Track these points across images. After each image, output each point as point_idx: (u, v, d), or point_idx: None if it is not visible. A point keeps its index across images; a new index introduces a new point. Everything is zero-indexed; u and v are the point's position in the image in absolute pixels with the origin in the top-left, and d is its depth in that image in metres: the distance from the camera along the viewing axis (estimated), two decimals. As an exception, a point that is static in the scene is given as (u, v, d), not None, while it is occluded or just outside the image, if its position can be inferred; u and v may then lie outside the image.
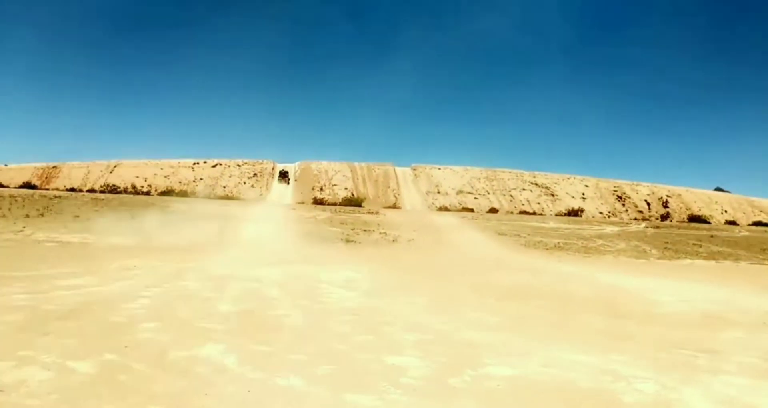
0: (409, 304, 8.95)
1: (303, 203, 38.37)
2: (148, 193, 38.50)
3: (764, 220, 44.02)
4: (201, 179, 42.78)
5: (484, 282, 12.65)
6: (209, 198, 37.41)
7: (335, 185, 44.33)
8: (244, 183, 43.25)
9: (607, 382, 4.96)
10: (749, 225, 40.70)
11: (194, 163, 44.80)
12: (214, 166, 44.78)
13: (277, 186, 43.80)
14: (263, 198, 40.97)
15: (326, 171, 46.20)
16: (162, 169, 43.50)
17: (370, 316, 7.63)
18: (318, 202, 39.50)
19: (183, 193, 37.87)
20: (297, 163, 47.85)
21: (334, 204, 38.30)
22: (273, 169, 46.21)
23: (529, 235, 26.35)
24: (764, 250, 24.93)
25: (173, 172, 43.20)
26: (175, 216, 24.85)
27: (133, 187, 39.93)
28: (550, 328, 7.51)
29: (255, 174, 44.56)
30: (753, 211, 47.84)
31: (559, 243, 24.39)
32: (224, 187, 42.19)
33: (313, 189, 43.32)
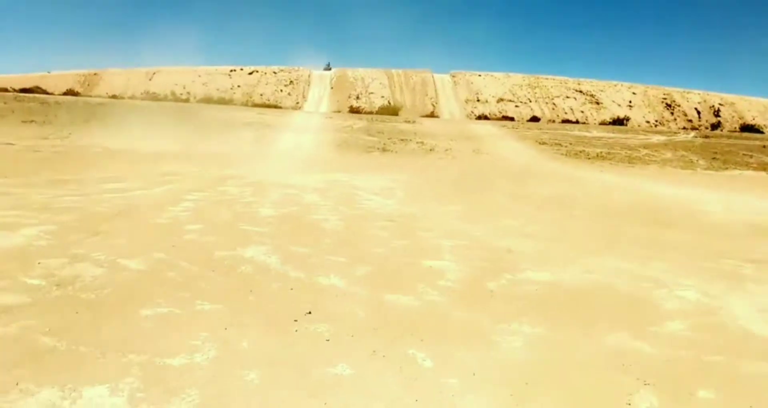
0: (445, 212, 8.94)
1: (339, 111, 38.00)
2: (186, 101, 38.62)
3: (824, 130, 41.64)
4: (238, 87, 42.53)
5: (523, 191, 12.50)
6: (246, 106, 37.37)
7: (372, 93, 43.53)
8: (281, 91, 42.84)
9: (647, 288, 4.92)
10: (807, 135, 38.55)
11: (231, 70, 44.39)
12: (250, 74, 44.31)
13: (313, 94, 43.27)
14: (299, 106, 40.72)
15: (362, 78, 45.21)
16: (200, 76, 43.32)
17: (407, 223, 7.67)
18: (354, 110, 39.03)
19: (221, 101, 37.88)
20: (333, 70, 46.87)
21: (371, 112, 37.79)
22: (309, 76, 45.47)
23: (570, 144, 25.67)
24: (821, 161, 23.77)
25: (211, 79, 43.01)
26: (214, 124, 25.01)
27: (173, 94, 40.06)
28: (590, 237, 7.43)
29: (291, 81, 43.98)
30: (812, 121, 45.19)
31: (601, 152, 23.74)
32: (261, 94, 41.93)
33: (349, 97, 42.69)
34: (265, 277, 4.68)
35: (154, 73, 42.97)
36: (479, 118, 40.27)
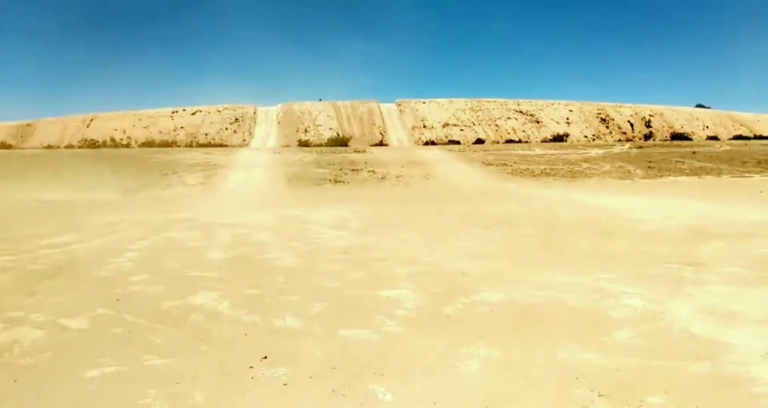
0: (400, 239, 9.00)
1: (288, 146, 37.91)
2: (128, 146, 37.80)
3: (744, 134, 44.28)
4: (181, 128, 41.91)
5: (474, 212, 12.72)
6: (191, 146, 36.84)
7: (320, 126, 43.69)
8: (226, 129, 42.47)
9: (596, 300, 5.07)
10: (730, 139, 40.94)
11: (173, 112, 43.78)
12: (193, 114, 43.81)
13: (260, 130, 43.07)
14: (246, 143, 40.40)
15: (309, 112, 45.40)
16: (140, 119, 42.50)
17: (362, 254, 7.68)
18: (303, 144, 39.03)
19: (164, 144, 37.21)
20: (279, 105, 46.90)
21: (320, 145, 37.89)
22: (255, 113, 45.32)
23: (515, 163, 26.38)
24: (744, 162, 25.21)
25: (152, 123, 42.25)
26: (158, 167, 24.51)
27: (112, 140, 39.12)
28: (540, 253, 7.61)
29: (236, 119, 43.70)
30: (733, 125, 48.01)
31: (545, 169, 24.47)
32: (206, 134, 41.43)
33: (297, 131, 42.69)
34: (217, 324, 4.58)
35: (91, 120, 41.93)
36: (427, 143, 40.94)
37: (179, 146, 37.11)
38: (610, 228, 9.83)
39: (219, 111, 44.57)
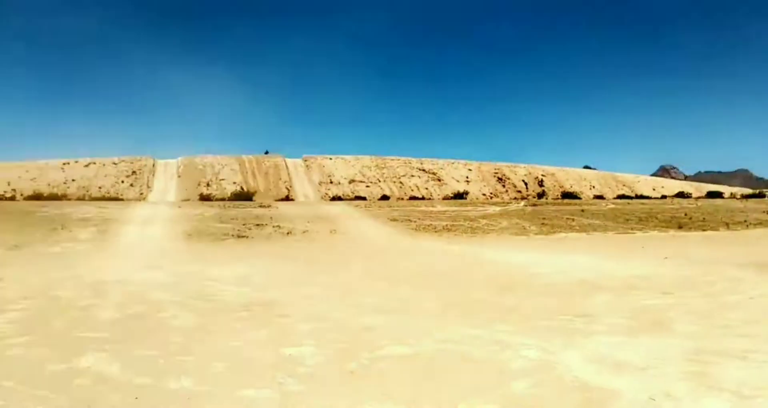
0: (304, 295, 8.87)
1: (188, 200, 36.68)
2: (12, 199, 34.91)
3: (627, 193, 48.57)
4: (73, 180, 39.49)
5: (379, 267, 12.84)
6: (83, 200, 34.65)
7: (223, 180, 42.85)
8: (122, 182, 40.51)
9: (496, 351, 5.24)
10: (614, 198, 44.68)
11: (64, 164, 41.30)
12: (87, 166, 41.55)
13: (158, 183, 41.47)
14: (144, 197, 38.68)
15: (212, 165, 44.51)
16: (27, 171, 39.67)
17: (265, 310, 7.48)
18: (205, 198, 37.93)
19: (54, 197, 34.72)
20: (179, 158, 45.64)
21: (223, 199, 36.98)
22: (153, 165, 43.75)
23: (419, 219, 27.10)
24: (628, 220, 27.50)
25: (40, 174, 39.53)
26: (45, 221, 22.74)
27: (-7, 192, 36.03)
28: (442, 307, 7.78)
29: (134, 172, 41.90)
30: (617, 185, 52.61)
31: (447, 225, 25.31)
32: (100, 187, 39.24)
33: (199, 185, 41.56)
34: (106, 388, 4.24)
35: (-31, 170, 38.57)
36: (333, 198, 41.23)
37: (70, 199, 34.79)
38: (508, 282, 10.28)
39: (115, 163, 42.61)
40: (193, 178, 42.50)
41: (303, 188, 44.17)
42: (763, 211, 31.38)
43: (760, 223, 27.40)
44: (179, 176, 42.72)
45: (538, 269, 12.08)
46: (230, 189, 40.88)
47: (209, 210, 28.18)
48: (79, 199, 35.54)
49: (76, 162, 41.80)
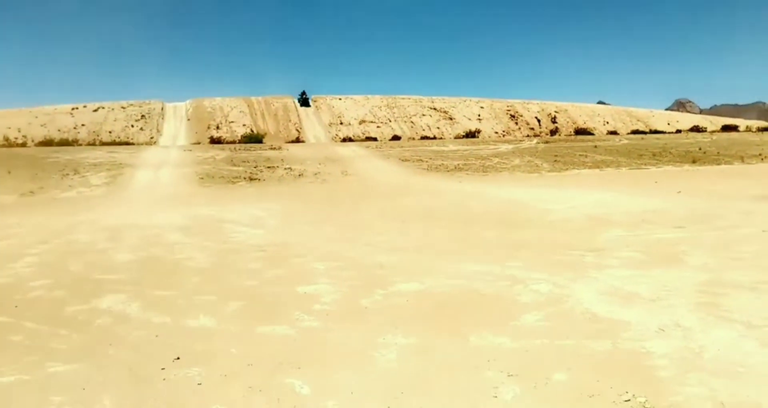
0: (318, 235, 8.97)
1: (199, 143, 36.63)
2: (23, 145, 35.07)
3: (641, 128, 47.68)
4: (83, 125, 39.44)
5: (391, 207, 12.89)
6: (94, 145, 34.74)
7: (232, 122, 42.58)
8: (132, 126, 40.42)
9: (506, 286, 5.30)
10: (628, 133, 43.92)
11: (73, 108, 41.15)
12: (95, 110, 41.37)
13: (168, 127, 41.32)
14: (154, 141, 38.68)
15: (221, 107, 44.14)
16: (37, 117, 39.60)
17: (279, 251, 7.59)
18: (215, 141, 37.83)
19: (64, 142, 34.81)
20: (188, 101, 45.26)
21: (233, 142, 36.87)
22: (162, 109, 43.46)
23: (431, 159, 26.94)
24: (641, 155, 27.15)
25: (50, 120, 39.47)
26: (58, 167, 22.94)
27: (6, 139, 36.14)
28: (454, 245, 7.84)
29: (143, 116, 41.71)
30: (631, 121, 51.59)
31: (459, 164, 25.17)
32: (110, 132, 39.22)
33: (208, 128, 41.37)
34: (126, 327, 4.38)
35: (-20, 118, 38.57)
36: (344, 140, 40.95)
37: (81, 145, 34.89)
38: (520, 219, 10.29)
39: (123, 107, 42.37)
40: (202, 121, 42.28)
41: (313, 130, 43.84)
42: (781, 144, 30.77)
43: (777, 156, 26.92)
44: (188, 119, 42.51)
45: (551, 206, 12.05)
46: (240, 131, 40.68)
47: (220, 153, 28.19)
48: (89, 144, 35.64)
49: (85, 107, 41.62)
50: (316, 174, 23.05)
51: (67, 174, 21.57)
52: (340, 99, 48.07)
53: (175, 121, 42.52)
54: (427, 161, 26.19)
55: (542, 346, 3.72)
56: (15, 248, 8.28)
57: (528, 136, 43.47)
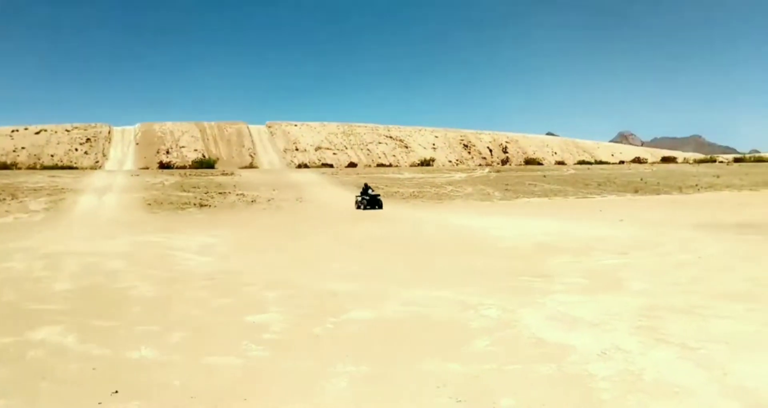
0: (270, 263, 8.83)
1: (147, 168, 35.76)
2: (-42, 169, 33.37)
3: (587, 159, 49.44)
4: (23, 148, 37.92)
5: (346, 234, 12.86)
6: (34, 169, 33.40)
7: (183, 147, 41.83)
8: (76, 150, 39.12)
9: (457, 312, 5.33)
10: (575, 164, 45.46)
11: (13, 130, 39.57)
12: (37, 133, 39.91)
13: (115, 151, 40.22)
14: (100, 165, 37.52)
15: (172, 132, 43.35)
16: (-27, 139, 37.87)
17: (229, 279, 7.42)
18: (165, 166, 37.00)
19: (2, 165, 33.31)
20: (137, 125, 44.27)
21: (184, 167, 36.15)
22: (110, 132, 42.35)
23: (386, 186, 27.12)
24: (587, 185, 28.12)
25: (-12, 143, 37.80)
26: (-5, 192, 21.89)
27: (-62, 162, 34.35)
28: (408, 271, 7.86)
29: (88, 139, 40.47)
30: (578, 152, 53.48)
31: (414, 192, 25.43)
32: (52, 155, 37.79)
33: (158, 152, 40.48)
34: (61, 359, 4.16)
35: None
36: (299, 166, 40.79)
37: (20, 168, 33.49)
38: (472, 245, 10.43)
39: (68, 130, 41.04)
40: (152, 145, 41.37)
41: (268, 156, 43.52)
42: (714, 175, 32.48)
43: (711, 187, 28.38)
44: (137, 144, 41.52)
45: (501, 233, 12.28)
46: (191, 156, 39.99)
47: (170, 178, 27.58)
48: (29, 167, 34.27)
49: (26, 129, 40.14)
50: (269, 200, 22.80)
51: (4, 199, 20.61)
52: (296, 125, 48.06)
53: (123, 145, 41.46)
54: (383, 188, 26.33)
55: (491, 371, 3.74)
56: (-57, 277, 7.79)
57: (480, 165, 44.41)
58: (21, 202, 20.43)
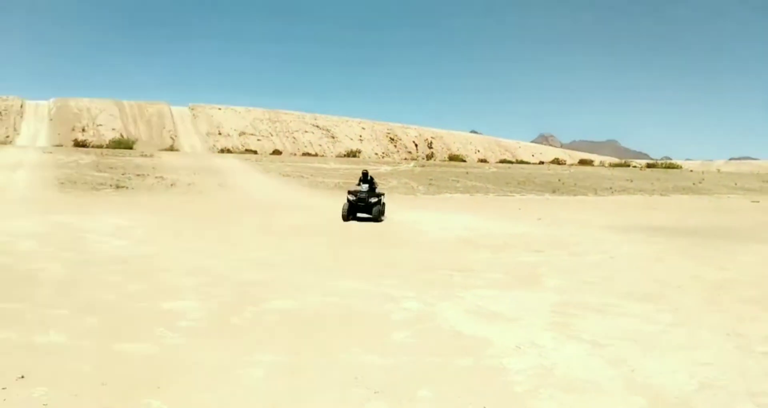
0: (189, 249, 8.57)
1: (61, 146, 33.57)
2: None
3: (509, 158, 51.21)
4: None
5: (268, 223, 12.67)
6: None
7: (100, 125, 39.63)
8: (-20, 122, 36.19)
9: (379, 304, 5.41)
10: (497, 162, 46.97)
11: None
12: (-64, 102, 36.55)
13: (27, 126, 37.53)
14: (10, 140, 34.90)
15: (89, 109, 40.92)
16: None
17: (143, 264, 7.15)
18: (80, 144, 34.88)
19: None
20: (52, 100, 41.49)
21: (101, 147, 34.22)
22: (22, 106, 39.46)
23: (312, 175, 26.91)
24: (508, 183, 29.13)
25: None
26: None
27: None
28: (329, 262, 7.88)
29: (-4, 111, 37.53)
30: (500, 150, 55.31)
31: (338, 183, 25.37)
32: (-48, 126, 34.78)
33: (73, 129, 38.13)
34: (-44, 345, 3.87)
35: None
36: (222, 151, 39.66)
37: None
38: (394, 238, 10.59)
39: (-28, 100, 37.86)
40: (67, 122, 38.89)
41: (190, 139, 42.03)
42: (627, 179, 34.55)
43: (624, 190, 30.18)
44: (51, 119, 38.91)
45: (424, 227, 12.53)
46: (109, 136, 37.94)
47: (85, 157, 26.06)
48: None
49: None
50: (189, 184, 22.07)
51: None
52: (219, 109, 46.66)
53: (36, 120, 38.73)
54: (308, 178, 26.12)
55: (409, 363, 3.83)
56: None
57: (406, 159, 44.96)
58: None
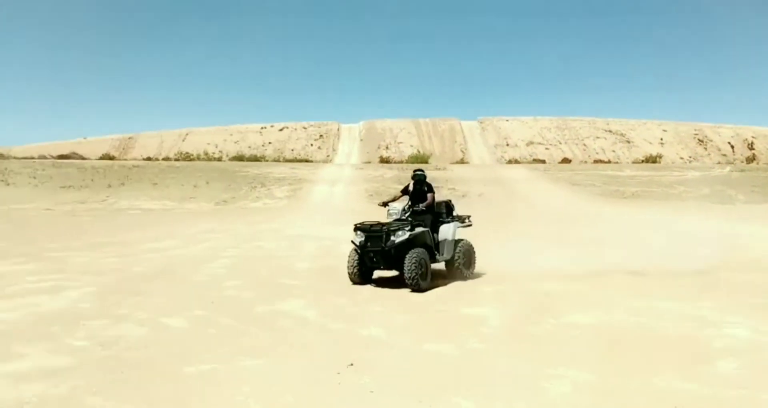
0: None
1: (369, 162, 38.53)
2: (219, 159, 39.81)
3: None
4: (269, 143, 43.72)
5: (562, 235, 12.32)
6: (278, 161, 38.28)
7: (401, 143, 44.16)
8: (311, 145, 43.85)
9: (694, 328, 4.76)
10: None
11: (261, 128, 45.79)
12: (281, 130, 45.60)
13: (342, 146, 44.13)
14: (330, 159, 41.49)
15: (391, 129, 46.02)
16: (231, 134, 44.74)
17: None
18: (384, 160, 39.50)
19: (253, 158, 38.87)
20: (361, 123, 47.91)
21: (401, 162, 38.18)
22: (338, 129, 46.54)
23: (604, 184, 25.40)
24: None
25: (242, 138, 44.36)
26: (247, 180, 25.64)
27: (206, 153, 41.33)
28: (630, 278, 7.26)
29: (321, 135, 45.04)
30: None
31: (637, 191, 23.40)
32: (292, 149, 42.96)
33: (378, 147, 43.36)
34: (305, 329, 4.71)
35: (186, 134, 44.59)
36: (510, 162, 40.30)
37: (267, 161, 38.64)
38: (709, 254, 9.20)
39: (305, 128, 46.12)
40: (373, 141, 44.44)
41: (478, 151, 43.78)
42: None
43: None
44: (361, 140, 44.96)
45: (746, 241, 10.69)
46: (407, 152, 42.01)
47: (388, 172, 29.36)
48: (274, 160, 39.33)
49: (272, 127, 46.07)
50: (480, 195, 22.95)
51: (255, 186, 24.00)
52: (506, 120, 47.46)
53: (349, 141, 45.25)
54: (600, 186, 24.73)
55: (738, 398, 3.25)
56: (212, 251, 9.38)
57: (719, 162, 39.00)
58: (268, 189, 23.63)
